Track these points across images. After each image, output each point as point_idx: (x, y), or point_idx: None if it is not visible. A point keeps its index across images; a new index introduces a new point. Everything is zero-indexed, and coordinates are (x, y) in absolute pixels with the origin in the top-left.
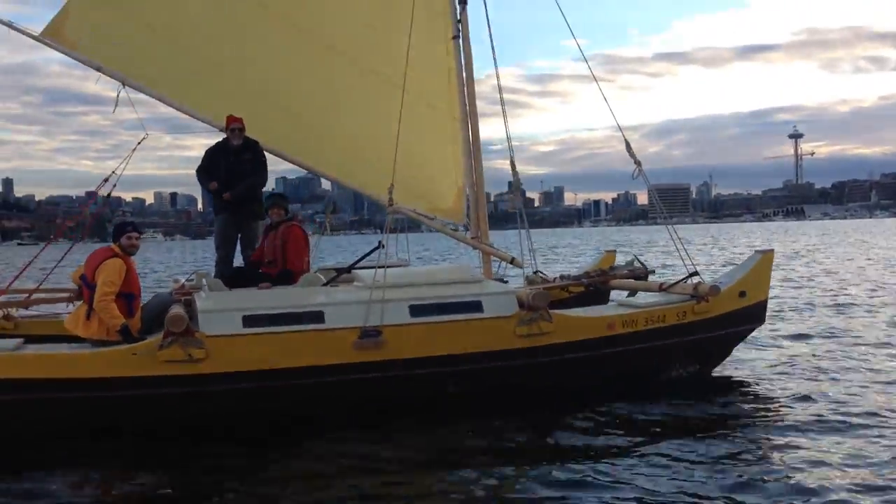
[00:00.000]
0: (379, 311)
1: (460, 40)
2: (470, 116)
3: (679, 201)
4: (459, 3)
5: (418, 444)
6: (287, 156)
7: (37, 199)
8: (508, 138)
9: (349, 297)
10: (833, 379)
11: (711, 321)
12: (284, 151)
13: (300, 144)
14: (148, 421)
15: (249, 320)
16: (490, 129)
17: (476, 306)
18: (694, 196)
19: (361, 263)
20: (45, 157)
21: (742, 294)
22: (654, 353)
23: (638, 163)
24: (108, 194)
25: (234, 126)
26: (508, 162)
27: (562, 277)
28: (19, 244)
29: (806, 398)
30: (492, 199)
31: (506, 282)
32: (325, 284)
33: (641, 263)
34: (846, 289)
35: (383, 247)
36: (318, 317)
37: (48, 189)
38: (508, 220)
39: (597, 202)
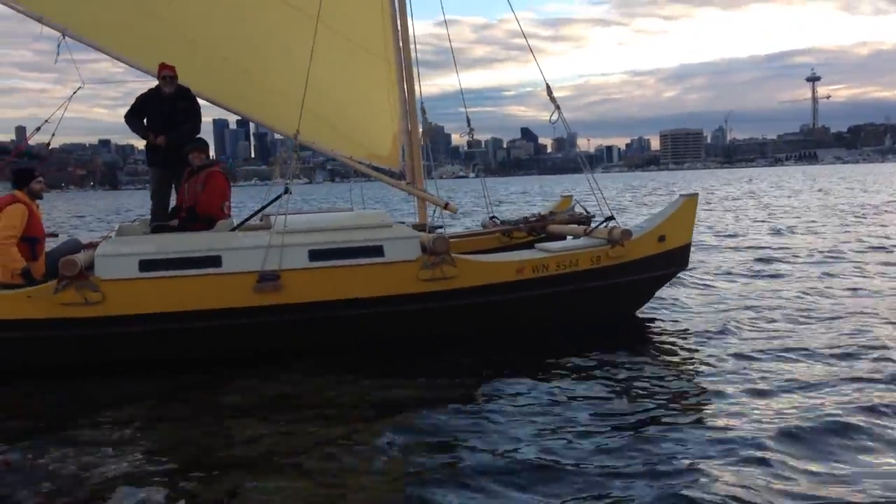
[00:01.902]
0: (278, 255)
1: None
2: (405, 62)
3: (691, 146)
4: None
5: (327, 390)
6: (216, 100)
7: (49, 147)
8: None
9: (248, 241)
10: (754, 322)
11: (627, 265)
12: (214, 96)
13: (228, 87)
14: (44, 362)
15: (146, 264)
16: (502, 75)
17: (377, 251)
18: (709, 141)
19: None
20: (58, 105)
21: (661, 238)
22: (568, 298)
23: (557, 107)
24: (48, 143)
25: (165, 74)
26: (522, 108)
27: (503, 223)
28: None
29: (725, 340)
30: (504, 145)
31: (441, 227)
32: (233, 230)
33: (583, 209)
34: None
35: (289, 192)
36: (215, 261)
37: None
38: (520, 166)
39: (609, 148)
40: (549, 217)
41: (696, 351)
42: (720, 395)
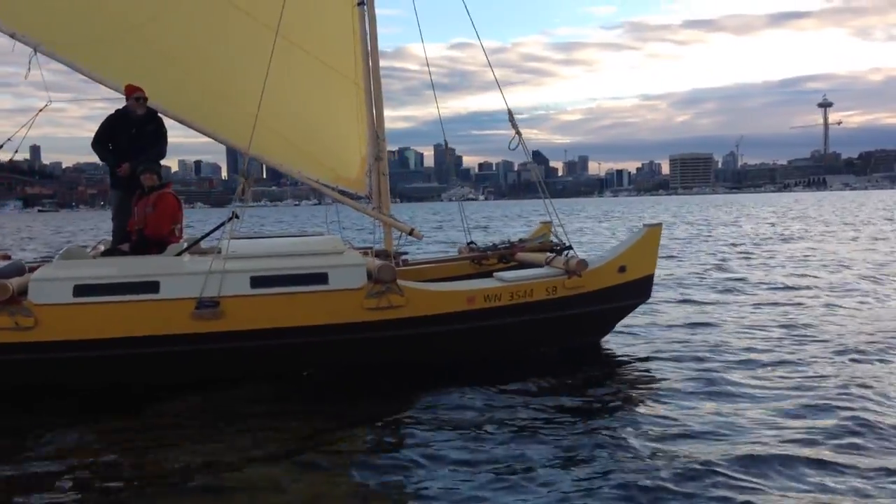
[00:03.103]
0: (218, 281)
1: (365, 7)
2: (374, 85)
3: (701, 171)
4: None
5: (276, 425)
6: (185, 119)
7: (63, 166)
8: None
9: (188, 267)
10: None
11: (585, 296)
12: (184, 116)
13: (196, 107)
14: None
15: (80, 289)
16: (515, 98)
17: (321, 278)
18: (720, 166)
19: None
20: (74, 125)
21: (622, 269)
22: (522, 329)
23: (518, 133)
24: (11, 159)
25: (138, 95)
26: (534, 132)
27: (470, 248)
28: (40, 211)
29: (687, 374)
30: (515, 168)
31: (405, 254)
32: (179, 254)
33: (556, 237)
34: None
35: (237, 217)
36: (152, 287)
37: (74, 156)
38: (530, 189)
39: (620, 172)
40: (518, 244)
41: (655, 381)
42: (678, 423)
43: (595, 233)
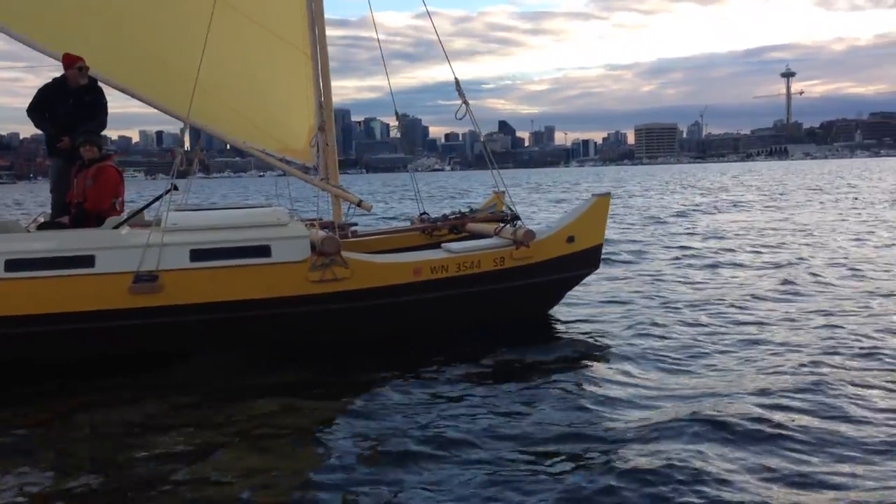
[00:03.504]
0: (156, 255)
1: None
2: (320, 54)
3: (665, 141)
4: None
5: (220, 403)
6: (124, 86)
7: (21, 137)
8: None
9: (125, 240)
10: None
11: (533, 267)
12: (123, 83)
13: (137, 73)
14: None
15: (12, 264)
16: (481, 68)
17: (263, 251)
18: (685, 136)
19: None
20: (31, 95)
21: (570, 239)
22: (470, 300)
23: (465, 102)
24: None
25: (80, 65)
26: (501, 102)
27: (420, 219)
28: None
29: (637, 339)
30: (481, 138)
31: (354, 224)
32: (116, 227)
33: (509, 207)
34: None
35: (176, 189)
36: (87, 261)
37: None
38: (497, 160)
39: (586, 142)
40: (469, 215)
41: (604, 350)
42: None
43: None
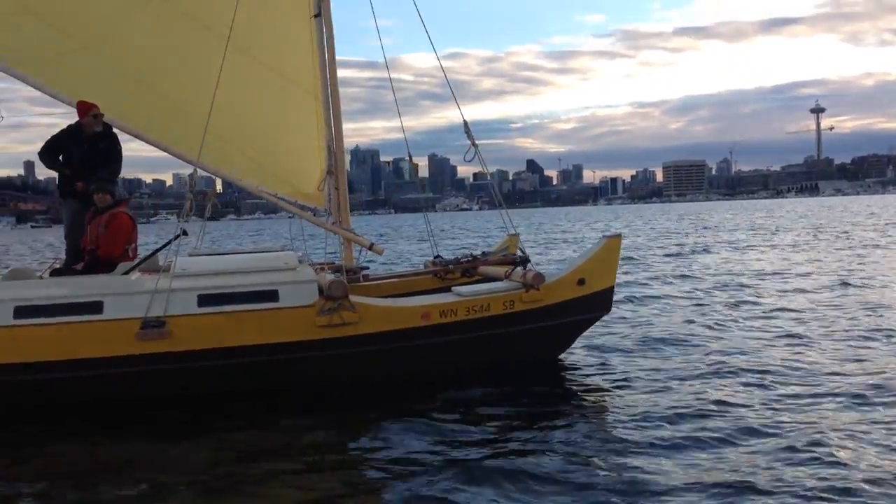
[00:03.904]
0: (164, 300)
1: (321, 19)
2: (332, 97)
3: (695, 178)
4: None
5: (227, 443)
6: (138, 133)
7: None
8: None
9: (133, 286)
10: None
11: (543, 310)
12: (136, 129)
13: (152, 121)
14: None
15: (21, 311)
16: (509, 107)
17: (271, 295)
18: (714, 172)
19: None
20: None
21: (581, 282)
22: (479, 344)
23: (474, 144)
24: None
25: (95, 112)
26: (529, 141)
27: (433, 262)
28: (32, 227)
29: (649, 386)
30: (510, 177)
31: (366, 268)
32: (126, 273)
33: (521, 249)
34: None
35: (185, 234)
36: (95, 307)
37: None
38: (524, 199)
39: (614, 180)
40: (481, 258)
41: (616, 397)
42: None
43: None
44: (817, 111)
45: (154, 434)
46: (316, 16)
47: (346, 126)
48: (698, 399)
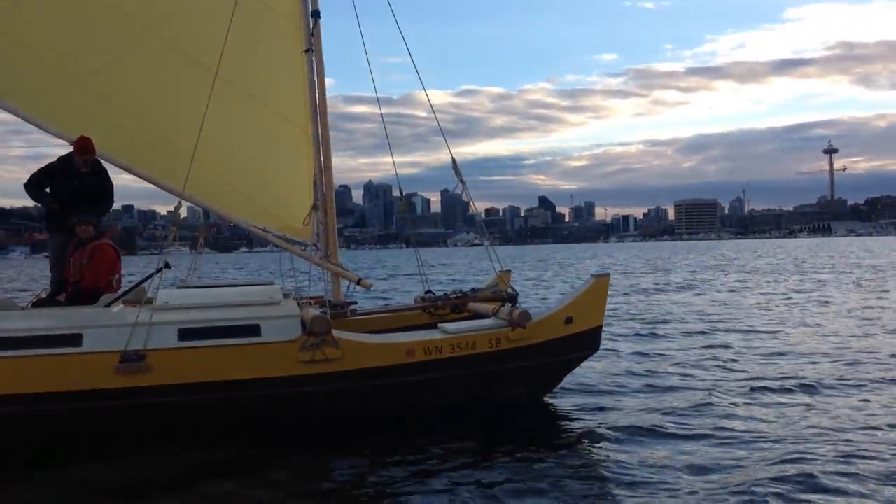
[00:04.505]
0: (144, 334)
1: (313, 54)
2: (321, 132)
3: (706, 216)
4: (312, 17)
5: (209, 477)
6: (128, 166)
7: None
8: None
9: (113, 319)
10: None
11: (530, 349)
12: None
13: (141, 153)
14: None
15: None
16: (522, 144)
17: (253, 330)
18: (727, 211)
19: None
20: None
21: (569, 320)
22: (463, 382)
23: (461, 181)
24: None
25: (87, 157)
26: (541, 177)
27: (423, 298)
28: (46, 257)
29: (639, 426)
30: (522, 214)
31: (354, 303)
32: (108, 305)
33: (510, 286)
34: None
35: (168, 266)
36: (75, 340)
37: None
38: (536, 235)
39: (626, 217)
40: (470, 294)
41: (602, 440)
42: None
43: None
44: (830, 151)
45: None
46: (307, 51)
47: (360, 161)
48: (690, 441)
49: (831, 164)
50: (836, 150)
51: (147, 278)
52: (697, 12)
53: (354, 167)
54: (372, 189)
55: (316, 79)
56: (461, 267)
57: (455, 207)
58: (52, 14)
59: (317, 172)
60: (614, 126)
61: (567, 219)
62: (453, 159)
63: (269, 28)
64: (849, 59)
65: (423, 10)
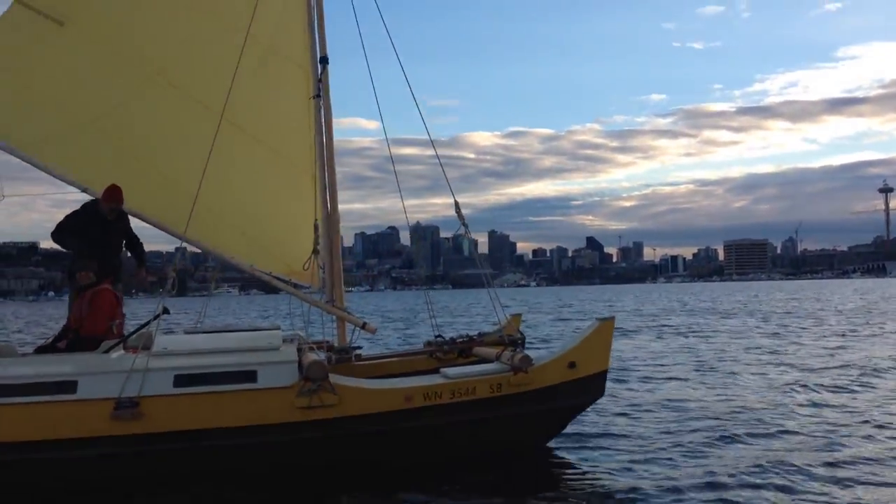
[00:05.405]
0: (139, 380)
1: (320, 100)
2: (328, 176)
3: (756, 256)
4: (321, 63)
5: None
6: (139, 213)
7: None
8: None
9: (109, 366)
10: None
11: (531, 394)
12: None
13: (152, 199)
14: None
15: None
16: (570, 185)
17: (249, 376)
18: (779, 251)
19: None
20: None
21: (572, 365)
22: (464, 429)
23: (464, 224)
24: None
25: (113, 206)
26: (589, 218)
27: (429, 342)
28: None
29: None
30: (569, 254)
31: (359, 348)
32: (106, 351)
33: (518, 330)
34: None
35: (168, 312)
36: (69, 387)
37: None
38: (583, 276)
39: (674, 257)
40: (477, 338)
41: (609, 491)
42: None
43: None
44: (886, 190)
45: None
46: (315, 96)
47: (408, 202)
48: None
49: (887, 204)
50: (891, 189)
51: (146, 324)
52: (747, 52)
53: (402, 209)
54: (419, 231)
55: (324, 124)
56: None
57: (503, 248)
58: (61, 63)
59: (322, 217)
60: (663, 166)
61: (615, 259)
62: (456, 202)
63: (280, 74)
64: None
65: (471, 53)
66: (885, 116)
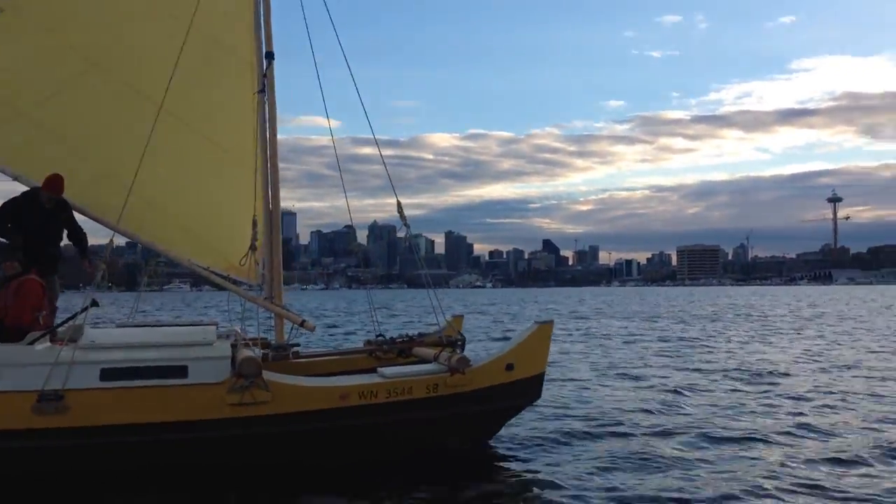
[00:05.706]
0: (64, 373)
1: (265, 95)
2: (272, 174)
3: (708, 262)
4: (266, 58)
5: None
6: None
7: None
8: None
9: (33, 357)
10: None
11: (468, 395)
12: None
13: (87, 189)
14: None
15: None
16: (528, 188)
17: (180, 371)
18: (730, 258)
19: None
20: None
21: (509, 367)
22: (399, 429)
23: (406, 225)
24: None
25: (51, 196)
26: (546, 221)
27: (368, 342)
28: None
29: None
30: (526, 256)
31: (297, 345)
32: (31, 343)
33: (458, 332)
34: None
35: (96, 304)
36: None
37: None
38: (539, 278)
39: (629, 261)
40: (417, 338)
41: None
42: None
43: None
44: (834, 200)
45: None
46: (259, 92)
47: (366, 202)
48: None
49: (835, 213)
50: (840, 199)
51: (73, 316)
52: (703, 62)
53: (360, 208)
54: (376, 230)
55: (267, 119)
56: (458, 309)
57: (460, 249)
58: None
59: (263, 213)
60: (620, 171)
61: (571, 262)
62: (398, 203)
63: (226, 70)
64: (854, 110)
65: (432, 55)
66: (835, 128)
